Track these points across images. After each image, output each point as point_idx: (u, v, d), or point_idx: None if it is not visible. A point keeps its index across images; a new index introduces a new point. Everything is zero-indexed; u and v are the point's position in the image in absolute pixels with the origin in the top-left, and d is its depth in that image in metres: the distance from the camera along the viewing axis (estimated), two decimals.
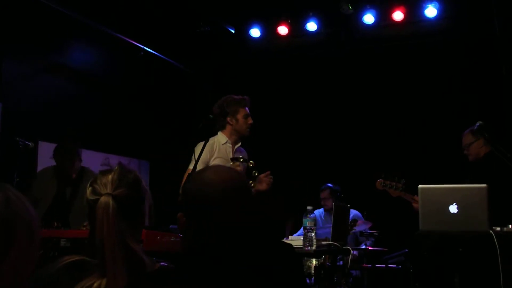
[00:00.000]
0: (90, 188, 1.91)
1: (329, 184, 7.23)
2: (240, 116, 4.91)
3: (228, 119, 4.92)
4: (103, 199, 1.85)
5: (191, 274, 1.90)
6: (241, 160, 4.72)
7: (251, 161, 4.74)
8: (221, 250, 1.92)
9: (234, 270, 1.88)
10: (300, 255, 4.28)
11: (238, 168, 4.57)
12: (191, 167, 4.70)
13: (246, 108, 4.97)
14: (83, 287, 1.75)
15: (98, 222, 1.82)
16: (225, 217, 1.93)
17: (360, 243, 6.75)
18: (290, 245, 2.16)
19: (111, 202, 1.84)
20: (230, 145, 4.90)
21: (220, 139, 4.90)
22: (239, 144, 4.98)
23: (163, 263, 5.38)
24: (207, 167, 2.11)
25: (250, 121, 4.95)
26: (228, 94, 5.06)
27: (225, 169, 2.10)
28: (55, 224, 4.81)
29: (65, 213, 5.28)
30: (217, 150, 4.83)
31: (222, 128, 4.96)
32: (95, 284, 1.75)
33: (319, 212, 7.19)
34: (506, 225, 4.11)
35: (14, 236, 1.32)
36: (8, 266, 1.30)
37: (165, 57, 8.16)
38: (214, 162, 4.75)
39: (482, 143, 5.01)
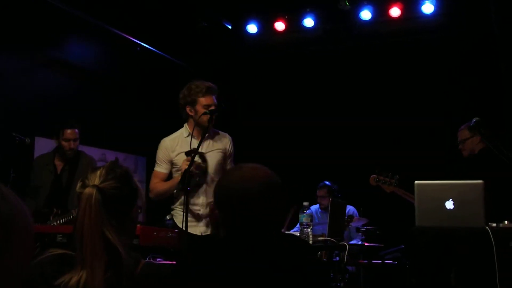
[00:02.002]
0: (80, 182, 1.92)
1: (327, 182, 7.22)
2: (199, 107, 4.44)
3: (188, 109, 4.51)
4: (87, 190, 1.86)
5: (216, 266, 1.93)
6: (192, 155, 4.27)
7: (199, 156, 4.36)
8: (253, 242, 1.97)
9: (265, 263, 1.92)
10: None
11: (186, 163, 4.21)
12: (157, 168, 4.62)
13: (208, 97, 4.45)
14: (64, 281, 1.75)
15: (80, 212, 1.82)
16: (261, 212, 1.99)
17: (354, 239, 6.76)
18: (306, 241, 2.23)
19: (95, 193, 1.84)
20: (195, 139, 4.40)
21: (184, 132, 4.60)
22: (207, 135, 4.51)
23: (159, 259, 5.37)
24: (242, 165, 2.15)
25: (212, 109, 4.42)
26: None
27: (260, 166, 2.12)
28: (55, 210, 4.84)
29: (64, 198, 5.29)
30: (179, 144, 4.55)
31: (186, 119, 4.60)
32: (75, 278, 1.75)
33: (315, 208, 7.19)
34: (502, 221, 4.12)
35: (13, 231, 1.32)
36: (7, 261, 1.30)
37: (162, 53, 8.15)
38: (177, 157, 4.51)
39: (478, 140, 5.02)
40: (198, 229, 4.49)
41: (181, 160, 4.39)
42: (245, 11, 8.27)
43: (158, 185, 4.56)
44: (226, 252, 1.97)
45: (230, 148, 4.67)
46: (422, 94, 7.73)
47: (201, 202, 4.51)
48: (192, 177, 4.26)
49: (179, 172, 4.38)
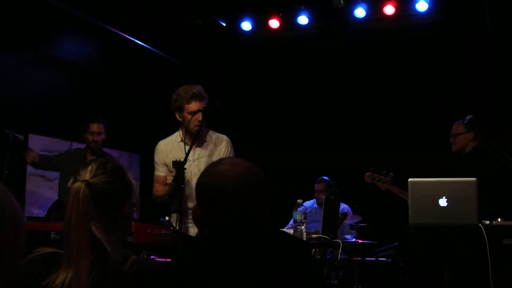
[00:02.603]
0: (72, 178, 1.89)
1: (325, 177, 7.23)
2: (186, 114, 4.40)
3: (177, 115, 4.48)
4: (76, 184, 1.83)
5: (205, 265, 1.87)
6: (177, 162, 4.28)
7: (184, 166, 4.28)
8: (237, 243, 1.89)
9: (249, 262, 1.85)
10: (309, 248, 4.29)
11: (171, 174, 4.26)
12: (156, 172, 4.63)
13: (194, 103, 4.39)
14: (51, 281, 1.73)
15: (67, 208, 1.79)
16: (242, 209, 1.90)
17: (348, 237, 6.76)
18: (301, 239, 2.17)
19: (83, 188, 1.81)
20: (187, 145, 4.35)
21: (178, 137, 4.57)
22: (200, 139, 4.52)
23: (153, 257, 5.38)
24: (221, 160, 2.08)
25: (199, 117, 4.35)
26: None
27: (240, 161, 2.03)
28: None
29: None
30: (173, 149, 4.52)
31: (178, 125, 4.58)
32: (61, 277, 1.72)
33: (309, 204, 7.20)
34: (495, 219, 4.13)
35: (1, 230, 1.31)
36: None
37: (156, 50, 8.14)
38: (171, 162, 4.43)
39: (471, 137, 5.04)
40: (193, 230, 4.49)
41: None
42: (239, 9, 8.26)
43: (159, 189, 4.56)
44: (217, 251, 1.89)
45: (226, 151, 4.58)
46: (416, 91, 7.75)
47: (193, 206, 4.48)
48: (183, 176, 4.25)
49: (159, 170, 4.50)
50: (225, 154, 4.55)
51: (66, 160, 5.74)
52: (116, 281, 1.75)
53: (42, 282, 1.73)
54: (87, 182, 1.83)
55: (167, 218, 4.88)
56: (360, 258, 6.17)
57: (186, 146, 4.35)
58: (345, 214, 6.49)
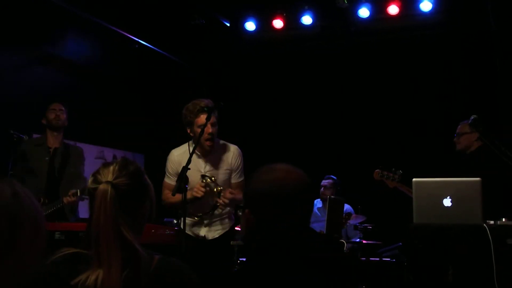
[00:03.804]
0: (92, 177, 1.91)
1: (333, 176, 7.27)
2: (195, 128, 4.45)
3: (188, 131, 4.57)
4: (102, 186, 1.84)
5: (262, 273, 1.93)
6: (207, 179, 4.41)
7: (212, 178, 4.43)
8: (290, 248, 1.96)
9: (303, 267, 1.92)
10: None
11: (202, 185, 4.37)
12: (167, 180, 4.69)
13: (203, 116, 4.39)
14: (81, 280, 1.73)
15: (95, 209, 1.81)
16: (297, 214, 1.99)
17: (352, 237, 6.76)
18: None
19: (110, 189, 1.83)
20: (198, 155, 4.50)
21: (189, 148, 4.53)
22: (212, 150, 4.57)
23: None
24: (275, 167, 2.13)
25: (209, 130, 4.41)
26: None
27: (293, 168, 2.10)
28: (41, 200, 4.91)
29: (56, 186, 5.35)
30: (184, 160, 4.36)
31: (191, 138, 4.63)
32: (92, 277, 1.73)
33: (314, 203, 7.20)
34: (500, 219, 4.13)
35: (20, 230, 1.32)
36: (13, 260, 1.30)
37: (160, 50, 8.15)
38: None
39: (475, 137, 5.02)
40: (203, 233, 4.65)
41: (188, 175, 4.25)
42: (243, 9, 8.26)
43: (169, 196, 4.52)
44: (283, 264, 1.94)
45: (236, 162, 4.65)
46: (420, 90, 7.74)
47: (204, 211, 4.61)
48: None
49: (190, 191, 4.36)
50: (235, 165, 4.64)
51: (27, 148, 5.50)
52: (146, 281, 1.78)
53: (71, 282, 1.73)
54: (111, 184, 1.84)
55: (175, 221, 4.94)
56: (364, 258, 6.17)
57: (198, 159, 4.51)
58: (349, 214, 6.49)
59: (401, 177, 4.95)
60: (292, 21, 8.10)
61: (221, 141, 4.69)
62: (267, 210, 1.99)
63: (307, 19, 7.93)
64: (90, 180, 1.91)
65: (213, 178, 4.46)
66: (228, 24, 8.46)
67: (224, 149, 4.66)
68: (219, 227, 4.67)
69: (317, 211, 7.07)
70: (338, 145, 8.05)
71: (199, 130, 4.38)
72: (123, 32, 7.46)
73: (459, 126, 5.22)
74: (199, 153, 4.52)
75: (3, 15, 6.18)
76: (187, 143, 4.64)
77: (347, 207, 6.85)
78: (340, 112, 8.19)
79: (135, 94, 8.22)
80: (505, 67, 6.75)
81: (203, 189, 4.37)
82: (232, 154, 4.65)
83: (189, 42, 8.43)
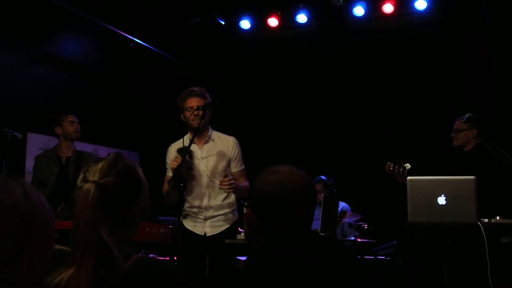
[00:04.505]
0: (82, 175, 1.87)
1: (323, 177, 7.21)
2: (186, 112, 4.59)
3: (182, 117, 4.68)
4: (86, 186, 1.80)
5: (267, 273, 1.95)
6: (182, 152, 4.42)
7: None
8: (291, 248, 1.99)
9: (308, 267, 1.95)
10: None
11: (176, 155, 4.41)
12: (167, 173, 4.73)
13: (190, 99, 4.57)
14: (52, 278, 1.71)
15: (76, 209, 1.78)
16: (300, 215, 2.02)
17: (348, 235, 6.77)
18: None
19: (93, 189, 1.78)
20: (194, 143, 4.59)
21: (186, 140, 4.67)
22: (207, 138, 4.70)
23: (152, 255, 5.37)
24: (278, 168, 2.15)
25: (195, 112, 4.52)
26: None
27: (296, 169, 2.13)
28: (62, 204, 4.94)
29: (71, 193, 5.35)
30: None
31: (182, 125, 4.76)
32: (62, 275, 1.70)
33: None
34: (494, 217, 4.14)
35: (32, 230, 1.32)
36: (24, 260, 1.30)
37: (155, 49, 8.13)
38: None
39: (473, 134, 5.01)
40: (202, 229, 4.62)
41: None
42: (238, 7, 8.26)
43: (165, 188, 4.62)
44: (283, 264, 1.97)
45: (233, 151, 4.71)
46: (414, 89, 7.75)
47: (204, 204, 4.62)
48: (182, 174, 4.31)
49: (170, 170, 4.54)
50: (233, 154, 4.70)
51: (40, 165, 5.65)
52: (117, 281, 1.73)
53: (44, 278, 1.72)
54: (96, 184, 1.80)
55: (177, 218, 4.95)
56: (359, 257, 6.18)
57: (195, 146, 4.59)
58: (343, 213, 6.49)
59: (407, 172, 4.92)
60: (287, 20, 8.10)
61: (218, 133, 4.79)
62: (268, 210, 2.02)
63: (302, 18, 7.94)
64: (80, 177, 1.88)
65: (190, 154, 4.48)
66: (223, 23, 8.46)
67: (221, 139, 4.76)
68: (221, 222, 4.64)
69: None
70: (333, 144, 8.05)
71: (188, 113, 4.53)
72: (118, 31, 7.45)
73: (456, 122, 5.19)
74: (195, 142, 4.58)
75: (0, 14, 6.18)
76: (184, 136, 4.71)
77: (343, 204, 6.85)
78: (336, 110, 8.20)
79: (130, 92, 8.20)
80: (501, 65, 6.76)
81: (176, 160, 4.38)
82: (228, 143, 4.74)
83: (184, 40, 8.42)
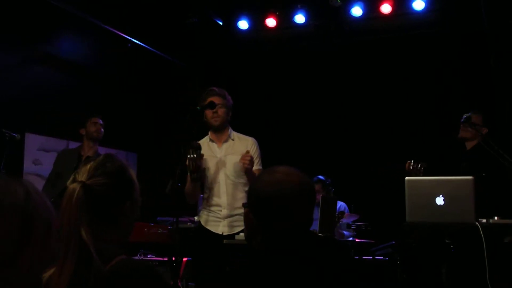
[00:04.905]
0: (72, 176, 1.86)
1: (321, 177, 7.19)
2: (205, 111, 4.66)
3: (204, 117, 4.74)
4: (71, 186, 1.80)
5: (265, 273, 1.95)
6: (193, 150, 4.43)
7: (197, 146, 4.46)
8: (290, 248, 2.00)
9: (308, 267, 1.95)
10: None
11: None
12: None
13: (210, 98, 4.63)
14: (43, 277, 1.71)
15: (61, 208, 1.76)
16: (297, 215, 2.03)
17: (346, 236, 6.77)
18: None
19: (77, 190, 1.78)
20: (214, 142, 4.71)
21: (207, 138, 4.77)
22: (227, 137, 4.75)
23: (150, 255, 5.37)
24: (275, 169, 2.16)
25: (214, 109, 4.61)
26: (216, 86, 4.95)
27: (294, 170, 2.14)
28: None
29: None
30: (203, 149, 4.54)
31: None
32: (47, 274, 1.69)
33: None
34: (492, 217, 4.14)
35: (32, 230, 1.32)
36: (24, 260, 1.30)
37: (153, 49, 8.13)
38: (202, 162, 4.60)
39: (482, 133, 4.98)
40: (220, 228, 4.61)
41: (205, 162, 4.57)
42: (236, 7, 8.26)
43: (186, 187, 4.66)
44: (282, 264, 1.97)
45: (252, 150, 4.73)
46: (412, 89, 7.75)
47: (222, 202, 4.61)
48: (191, 172, 4.35)
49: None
50: (252, 153, 4.70)
51: (60, 160, 5.77)
52: (96, 281, 1.72)
53: None
54: (83, 184, 1.80)
55: (196, 218, 4.95)
56: (357, 257, 6.18)
57: (215, 145, 4.68)
58: (342, 213, 6.48)
59: (422, 172, 4.88)
60: (285, 20, 8.10)
61: (237, 133, 4.87)
62: (266, 211, 2.03)
63: (300, 18, 7.93)
64: (70, 178, 1.87)
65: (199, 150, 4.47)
66: (221, 23, 8.46)
67: (240, 139, 4.83)
68: (239, 223, 4.58)
69: None
70: (332, 144, 8.05)
71: (208, 112, 4.62)
72: (117, 31, 7.44)
73: (473, 115, 5.05)
74: (215, 140, 4.70)
75: None
76: (205, 136, 4.80)
77: (341, 204, 6.84)
78: (334, 110, 8.19)
79: (129, 93, 8.20)
80: (499, 65, 6.77)
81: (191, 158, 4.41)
82: (248, 143, 4.80)
83: (183, 41, 8.43)
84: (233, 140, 4.78)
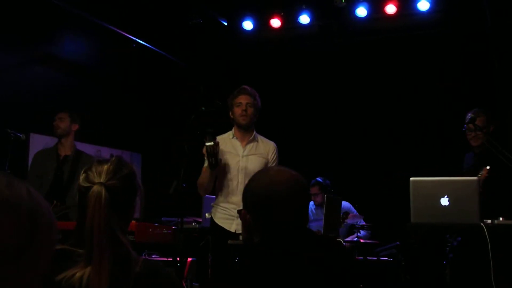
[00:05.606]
0: (83, 174, 1.91)
1: (319, 179, 7.15)
2: (235, 109, 4.81)
3: (230, 114, 4.87)
4: (96, 188, 1.84)
5: (260, 272, 1.96)
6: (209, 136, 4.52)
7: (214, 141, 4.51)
8: (286, 248, 2.00)
9: (303, 267, 1.96)
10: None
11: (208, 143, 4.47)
12: (205, 165, 4.76)
13: (240, 97, 4.84)
14: (66, 277, 1.74)
15: (89, 210, 1.82)
16: (291, 215, 2.03)
17: (352, 235, 6.76)
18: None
19: (103, 191, 1.83)
20: (238, 140, 4.81)
21: (230, 135, 4.86)
22: (252, 138, 4.86)
23: (154, 256, 5.39)
24: (269, 168, 2.21)
25: (243, 107, 4.79)
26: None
27: (287, 169, 2.16)
28: (54, 202, 4.95)
29: (64, 193, 5.36)
30: (224, 144, 4.70)
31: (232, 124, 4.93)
32: (78, 274, 1.74)
33: (310, 204, 7.16)
34: (497, 218, 4.13)
35: (37, 228, 1.33)
36: (29, 258, 1.30)
37: (157, 50, 8.14)
38: (222, 157, 4.69)
39: (489, 131, 4.95)
40: (233, 226, 4.65)
41: (225, 159, 4.67)
42: (241, 8, 8.26)
43: (201, 177, 4.74)
44: (280, 263, 1.98)
45: (272, 154, 4.88)
46: (417, 90, 7.74)
47: (236, 200, 4.63)
48: (209, 156, 4.42)
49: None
50: (272, 158, 4.87)
51: (38, 161, 5.67)
52: (133, 281, 1.79)
53: (55, 277, 1.74)
54: (105, 185, 1.85)
55: (207, 215, 5.00)
56: (361, 257, 6.17)
57: (238, 143, 4.77)
58: (346, 213, 6.47)
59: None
60: (290, 21, 8.09)
61: (260, 136, 4.98)
62: (260, 210, 2.04)
63: (304, 19, 7.93)
64: (81, 176, 1.91)
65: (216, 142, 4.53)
66: (225, 24, 8.46)
67: (263, 141, 4.94)
68: None
69: (311, 211, 7.04)
70: (335, 144, 8.04)
71: (237, 110, 4.76)
72: (121, 32, 7.45)
73: (478, 119, 4.94)
74: (239, 138, 4.80)
75: (2, 14, 6.17)
76: (228, 132, 4.90)
77: (345, 204, 6.82)
78: (338, 110, 8.19)
79: (133, 93, 8.21)
80: (502, 66, 6.76)
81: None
82: (269, 147, 4.91)
83: (187, 41, 8.43)
84: (257, 142, 4.89)
